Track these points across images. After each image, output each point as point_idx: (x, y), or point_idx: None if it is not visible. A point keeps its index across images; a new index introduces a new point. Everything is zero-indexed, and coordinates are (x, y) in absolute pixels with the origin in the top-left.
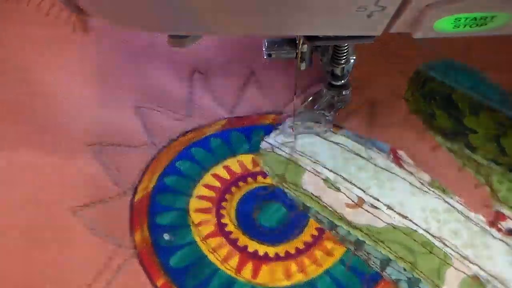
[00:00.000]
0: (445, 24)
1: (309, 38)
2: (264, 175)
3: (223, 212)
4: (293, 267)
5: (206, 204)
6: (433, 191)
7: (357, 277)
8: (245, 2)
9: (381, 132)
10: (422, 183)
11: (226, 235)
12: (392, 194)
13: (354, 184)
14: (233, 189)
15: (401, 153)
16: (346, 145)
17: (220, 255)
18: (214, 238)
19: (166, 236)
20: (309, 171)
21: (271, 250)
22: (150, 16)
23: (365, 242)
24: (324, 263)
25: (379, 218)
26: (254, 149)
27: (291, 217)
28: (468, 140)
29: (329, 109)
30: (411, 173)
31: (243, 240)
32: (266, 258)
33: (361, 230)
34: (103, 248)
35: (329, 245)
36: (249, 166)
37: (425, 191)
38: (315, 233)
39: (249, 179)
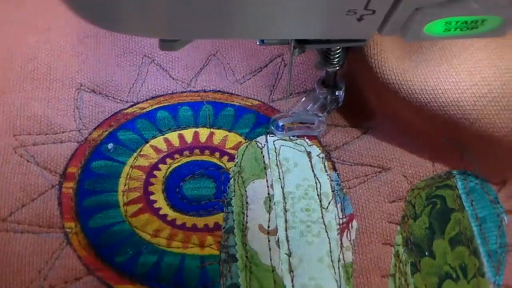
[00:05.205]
0: (435, 28)
1: (300, 42)
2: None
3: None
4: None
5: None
6: (339, 272)
7: (200, 279)
8: (239, 5)
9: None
10: (339, 260)
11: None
12: (304, 248)
13: (285, 217)
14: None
15: (354, 223)
16: (321, 183)
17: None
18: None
19: (110, 146)
20: (266, 181)
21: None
22: (143, 22)
23: (237, 261)
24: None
25: (270, 256)
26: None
27: (212, 201)
28: (419, 261)
29: (322, 109)
30: (341, 244)
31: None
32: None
33: (245, 251)
34: (39, 245)
35: (210, 240)
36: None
37: (333, 266)
38: (211, 224)
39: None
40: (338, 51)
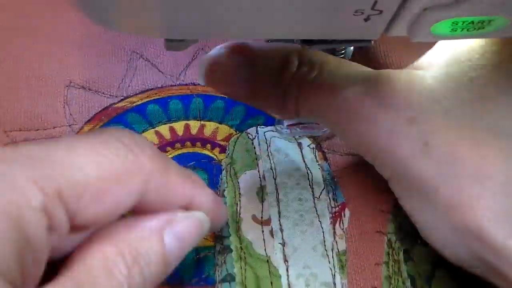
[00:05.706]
0: (442, 28)
1: (305, 42)
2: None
3: None
4: None
5: None
6: (333, 260)
7: (195, 270)
8: (245, 5)
9: None
10: (332, 248)
11: None
12: (298, 237)
13: (278, 207)
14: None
15: (346, 212)
16: (313, 173)
17: None
18: None
19: None
20: (258, 172)
21: None
22: (148, 21)
23: (231, 252)
24: None
25: (264, 245)
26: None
27: None
28: (411, 249)
29: None
30: (334, 233)
31: None
32: None
33: (240, 242)
34: None
35: None
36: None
37: (327, 255)
38: None
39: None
40: (342, 51)
